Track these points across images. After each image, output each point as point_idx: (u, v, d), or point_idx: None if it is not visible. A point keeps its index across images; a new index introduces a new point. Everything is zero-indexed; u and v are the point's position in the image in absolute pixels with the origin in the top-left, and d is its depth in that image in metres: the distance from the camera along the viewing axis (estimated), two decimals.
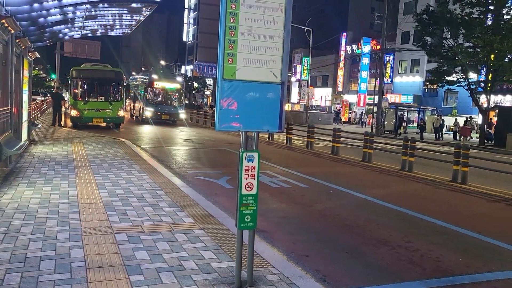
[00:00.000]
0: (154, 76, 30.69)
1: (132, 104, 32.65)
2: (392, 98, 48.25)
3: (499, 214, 8.42)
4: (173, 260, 4.47)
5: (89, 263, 4.24)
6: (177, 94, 29.18)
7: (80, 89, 21.41)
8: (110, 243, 4.86)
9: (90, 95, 21.47)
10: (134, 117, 31.35)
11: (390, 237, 6.34)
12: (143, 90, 28.50)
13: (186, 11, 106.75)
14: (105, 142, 14.96)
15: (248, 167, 3.83)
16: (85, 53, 33.08)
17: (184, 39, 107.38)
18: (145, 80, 30.28)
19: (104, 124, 21.86)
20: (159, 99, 28.25)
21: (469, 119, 32.44)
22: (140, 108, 28.97)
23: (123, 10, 12.81)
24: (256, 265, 4.48)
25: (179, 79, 35.77)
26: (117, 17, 13.98)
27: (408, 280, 4.78)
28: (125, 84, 24.21)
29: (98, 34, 18.94)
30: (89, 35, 19.09)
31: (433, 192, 10.38)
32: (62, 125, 21.38)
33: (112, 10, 12.68)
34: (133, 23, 14.98)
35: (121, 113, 21.76)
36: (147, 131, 22.61)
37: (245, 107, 3.77)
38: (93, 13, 12.40)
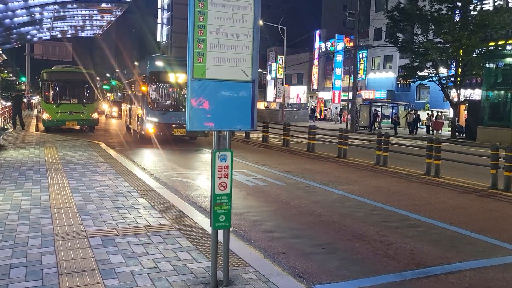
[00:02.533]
0: (158, 64, 16.57)
1: (127, 111, 21.89)
2: (366, 94, 48.90)
3: (470, 205, 8.62)
4: (149, 263, 4.42)
5: (62, 269, 4.16)
6: None
7: (52, 92, 20.98)
8: (83, 248, 4.77)
9: (62, 97, 21.05)
10: (131, 131, 20.21)
11: (365, 231, 6.42)
12: (140, 88, 17.35)
13: (159, 11, 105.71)
14: (79, 145, 14.70)
15: (221, 166, 3.82)
16: (56, 55, 32.38)
17: (158, 39, 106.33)
18: (143, 73, 17.06)
19: (78, 127, 21.47)
20: (168, 101, 17.58)
21: (430, 114, 33.26)
22: (138, 117, 17.73)
23: (93, 11, 12.59)
24: (233, 264, 4.48)
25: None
26: (87, 18, 13.74)
27: (383, 273, 4.85)
28: (98, 85, 23.81)
29: (69, 35, 18.62)
30: (59, 36, 18.71)
31: (407, 186, 10.56)
32: (23, 128, 20.89)
33: (81, 11, 12.44)
34: (104, 23, 14.75)
35: (95, 115, 21.42)
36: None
37: (217, 106, 3.76)
38: (62, 13, 12.15)
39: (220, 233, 4.02)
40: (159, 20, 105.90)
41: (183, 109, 15.84)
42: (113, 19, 13.82)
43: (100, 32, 16.64)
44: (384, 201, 8.43)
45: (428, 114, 33.52)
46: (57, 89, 21.21)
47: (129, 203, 6.93)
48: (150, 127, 15.87)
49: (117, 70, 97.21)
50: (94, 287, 3.80)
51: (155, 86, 17.04)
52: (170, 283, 3.95)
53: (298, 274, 4.68)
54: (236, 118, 3.83)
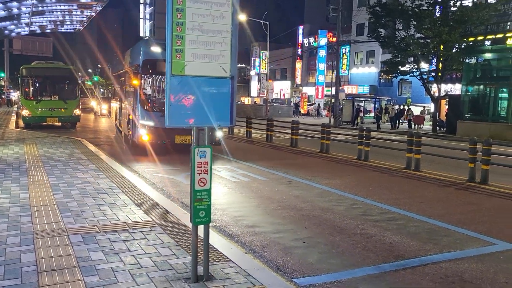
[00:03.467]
0: (154, 50, 12.73)
1: (117, 110, 17.93)
2: (349, 89, 49.26)
3: (449, 198, 8.80)
4: (130, 259, 4.43)
5: (41, 267, 4.14)
6: None
7: (32, 88, 20.67)
8: (64, 245, 4.75)
9: (42, 94, 20.75)
10: (122, 135, 16.19)
11: (345, 225, 6.51)
12: (131, 82, 13.23)
13: (142, 6, 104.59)
14: (60, 142, 14.53)
15: (201, 162, 3.84)
16: (36, 50, 31.82)
17: (141, 34, 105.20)
18: (135, 63, 13.15)
19: (59, 124, 21.19)
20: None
21: (405, 108, 33.91)
22: (129, 119, 13.92)
23: (72, 6, 12.42)
24: (213, 259, 4.52)
25: None
26: (66, 13, 13.56)
27: (362, 266, 4.94)
28: (79, 81, 23.49)
29: (48, 31, 18.31)
30: (38, 31, 18.40)
31: (388, 180, 10.72)
32: None
33: (60, 6, 12.25)
34: (84, 19, 14.58)
35: (77, 111, 21.16)
36: None
37: (196, 103, 3.78)
38: (40, 8, 11.95)
39: (201, 228, 4.05)
40: (141, 15, 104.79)
41: None
42: (93, 14, 13.65)
43: (81, 27, 16.40)
44: (364, 195, 8.55)
45: (399, 109, 33.98)
46: (37, 85, 20.90)
47: (111, 200, 6.90)
48: (144, 133, 11.95)
49: (99, 66, 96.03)
50: (74, 284, 3.80)
51: (150, 79, 13.28)
52: (151, 278, 3.97)
53: (279, 268, 4.74)
54: (215, 114, 3.86)
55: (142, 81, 12.44)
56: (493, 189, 9.61)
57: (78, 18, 14.33)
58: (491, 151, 10.12)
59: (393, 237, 6.01)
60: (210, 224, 5.98)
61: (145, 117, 12.14)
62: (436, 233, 6.34)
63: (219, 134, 12.89)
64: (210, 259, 4.45)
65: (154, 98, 13.29)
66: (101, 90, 46.05)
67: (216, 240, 5.19)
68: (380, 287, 4.41)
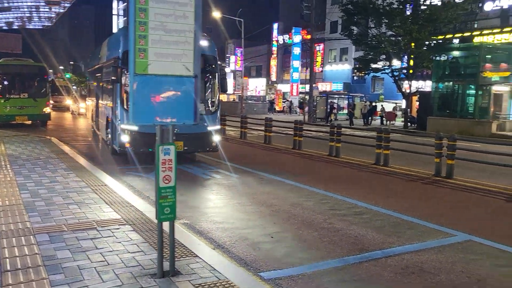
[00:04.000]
0: None
1: (94, 112, 16.09)
2: (323, 86, 49.71)
3: (414, 192, 9.07)
4: (97, 256, 4.45)
5: (5, 266, 4.13)
6: (201, 80, 11.85)
7: (0, 86, 20.17)
8: (29, 245, 4.73)
9: (11, 91, 20.26)
10: (100, 139, 15.01)
11: (313, 220, 6.66)
12: (110, 78, 11.09)
13: (115, 2, 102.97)
14: (29, 141, 14.27)
15: (165, 160, 3.90)
16: (4, 47, 31.02)
17: (114, 31, 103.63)
18: (114, 55, 11.32)
19: (29, 122, 20.76)
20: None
21: (368, 104, 34.62)
22: (107, 122, 12.34)
23: (40, 2, 12.20)
24: (181, 255, 4.58)
25: (204, 42, 11.20)
26: (34, 9, 13.29)
27: (327, 259, 5.09)
28: (49, 79, 23.01)
29: (15, 27, 17.89)
30: (5, 28, 17.98)
31: (357, 175, 10.95)
32: None
33: (27, 2, 12.02)
34: (53, 15, 14.31)
35: (47, 109, 20.78)
36: None
37: (160, 101, 3.83)
38: (6, 4, 11.70)
39: (167, 225, 4.11)
40: (114, 11, 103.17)
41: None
42: (62, 10, 13.43)
43: (50, 23, 16.10)
44: (334, 190, 8.73)
45: (371, 105, 34.58)
46: (6, 82, 20.40)
47: (80, 198, 6.87)
48: (126, 139, 10.14)
49: (71, 63, 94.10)
50: (38, 283, 3.81)
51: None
52: (117, 275, 4.01)
53: (246, 263, 4.84)
54: (179, 112, 3.92)
55: (124, 77, 10.42)
56: (458, 183, 9.94)
57: (46, 15, 14.06)
58: (455, 146, 10.45)
59: (359, 231, 6.18)
60: (180, 221, 6.09)
61: (127, 120, 9.91)
62: (400, 226, 6.55)
63: (216, 138, 11.07)
64: (177, 255, 4.52)
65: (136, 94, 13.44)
66: (74, 87, 44.76)
67: (185, 236, 5.25)
68: (343, 279, 4.56)
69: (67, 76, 55.73)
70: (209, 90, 11.78)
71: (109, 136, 11.93)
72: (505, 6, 30.50)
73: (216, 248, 5.16)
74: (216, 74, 11.48)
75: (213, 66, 11.38)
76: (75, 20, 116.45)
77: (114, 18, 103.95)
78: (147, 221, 5.81)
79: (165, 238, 4.42)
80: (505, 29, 30.27)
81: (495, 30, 30.67)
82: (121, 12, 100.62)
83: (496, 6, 30.83)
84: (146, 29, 3.72)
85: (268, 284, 4.24)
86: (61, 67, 79.06)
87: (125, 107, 10.11)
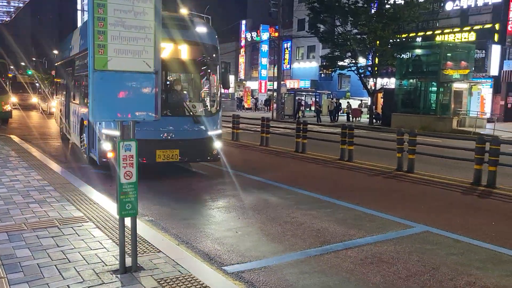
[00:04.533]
0: None
1: (64, 113, 13.95)
2: (291, 83, 50.14)
3: (377, 186, 9.34)
4: (58, 254, 4.41)
5: None
6: (198, 74, 10.50)
7: None
8: None
9: None
10: (70, 144, 13.73)
11: (277, 214, 6.77)
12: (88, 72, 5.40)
13: None
14: None
15: (126, 156, 3.90)
16: None
17: (79, 26, 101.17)
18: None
19: None
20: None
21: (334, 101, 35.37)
22: (83, 126, 10.55)
23: None
24: (144, 250, 4.60)
25: (201, 29, 9.61)
26: None
27: (290, 252, 5.20)
28: (10, 75, 22.29)
29: None
30: None
31: (322, 170, 11.16)
32: None
33: None
34: (12, 10, 13.89)
35: (8, 107, 20.15)
36: None
37: (120, 97, 3.83)
38: None
39: (129, 221, 4.12)
40: (78, 6, 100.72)
41: (183, 110, 9.11)
42: (21, 5, 13.04)
43: (9, 18, 15.60)
44: (298, 185, 8.88)
45: (337, 102, 35.20)
46: None
47: (41, 197, 6.75)
48: (109, 148, 8.30)
49: (34, 59, 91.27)
50: None
51: None
52: (79, 272, 3.99)
53: (210, 257, 4.89)
54: (140, 108, 3.93)
55: None
56: (418, 177, 10.27)
57: (4, 9, 13.63)
58: (416, 142, 10.80)
59: (322, 224, 6.33)
60: (145, 218, 6.08)
61: (111, 123, 8.20)
62: (361, 219, 6.74)
63: (217, 145, 9.27)
64: (140, 251, 4.53)
65: None
66: (37, 85, 43.14)
67: (149, 232, 5.26)
68: (304, 271, 4.67)
69: (29, 72, 53.96)
70: (208, 86, 10.30)
71: (85, 142, 10.14)
72: (465, 6, 31.59)
73: (180, 243, 5.19)
74: (217, 67, 9.58)
75: (213, 57, 9.51)
76: (37, 15, 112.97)
77: (79, 13, 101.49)
78: (111, 218, 5.78)
79: (128, 234, 4.43)
80: (464, 28, 31.38)
81: (455, 29, 31.77)
82: (86, 8, 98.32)
83: (456, 5, 31.91)
84: (105, 25, 3.71)
85: (231, 277, 4.31)
86: (22, 64, 76.70)
87: None
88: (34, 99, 35.08)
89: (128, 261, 4.11)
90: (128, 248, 4.28)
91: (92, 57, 3.68)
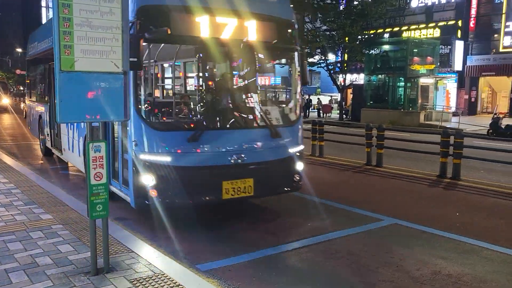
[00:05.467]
0: None
1: (48, 120, 10.29)
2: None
3: (347, 181, 9.52)
4: (26, 259, 4.34)
5: None
6: (270, 65, 7.51)
7: None
8: None
9: None
10: (54, 158, 11.20)
11: (248, 213, 6.83)
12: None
13: None
14: None
15: (96, 157, 3.88)
16: None
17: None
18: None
19: None
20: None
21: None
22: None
23: None
24: (116, 252, 4.57)
25: None
26: None
27: (262, 248, 5.27)
28: None
29: None
30: None
31: None
32: None
33: None
34: None
35: None
36: None
37: (88, 98, 3.79)
38: None
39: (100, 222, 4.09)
40: (43, 3, 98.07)
41: (253, 119, 6.34)
42: None
43: None
44: None
45: (308, 99, 35.63)
46: None
47: (7, 200, 6.59)
48: (151, 182, 5.42)
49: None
50: None
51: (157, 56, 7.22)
52: (48, 276, 3.95)
53: (183, 256, 4.90)
54: (109, 109, 3.90)
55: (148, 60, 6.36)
56: (387, 170, 10.52)
57: None
58: (384, 136, 11.04)
59: (293, 219, 6.43)
60: (118, 219, 6.03)
61: (154, 144, 5.46)
62: (333, 213, 6.87)
63: (299, 167, 6.51)
64: (112, 252, 4.51)
65: (163, 100, 7.29)
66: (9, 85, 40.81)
67: (121, 234, 5.22)
68: (276, 266, 4.75)
69: None
70: (285, 82, 7.49)
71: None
72: (429, 3, 32.39)
73: (152, 243, 5.17)
74: (294, 53, 6.62)
75: (289, 39, 6.52)
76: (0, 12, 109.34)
77: (43, 10, 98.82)
78: (81, 220, 5.71)
79: (99, 236, 4.40)
80: (429, 25, 32.18)
81: (421, 26, 32.52)
82: (51, 4, 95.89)
83: (421, 2, 32.67)
84: (71, 25, 3.66)
85: (203, 275, 4.34)
86: None
87: (144, 117, 5.46)
88: (5, 100, 32.44)
89: (100, 262, 4.09)
90: (99, 249, 4.25)
91: (58, 58, 3.63)
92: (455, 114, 27.38)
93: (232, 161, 5.68)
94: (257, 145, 6.00)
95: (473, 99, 31.83)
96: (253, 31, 6.02)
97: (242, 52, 6.19)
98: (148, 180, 5.37)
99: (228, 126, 6.03)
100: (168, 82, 8.16)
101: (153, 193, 5.39)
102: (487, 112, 31.51)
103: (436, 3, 32.01)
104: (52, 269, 4.09)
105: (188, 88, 7.92)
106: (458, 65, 30.81)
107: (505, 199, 7.96)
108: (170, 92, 7.32)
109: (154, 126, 5.59)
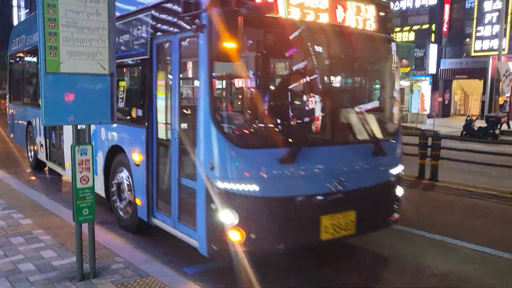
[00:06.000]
0: None
1: (36, 129, 9.19)
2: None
3: None
4: (7, 265, 4.23)
5: None
6: (365, 61, 5.45)
7: None
8: None
9: None
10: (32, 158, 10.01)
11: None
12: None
13: None
14: None
15: (82, 160, 3.81)
16: None
17: (15, 23, 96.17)
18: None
19: None
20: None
21: None
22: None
23: None
24: (101, 256, 4.50)
25: None
26: None
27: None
28: None
29: None
30: None
31: None
32: None
33: None
34: None
35: None
36: None
37: (74, 100, 3.72)
38: None
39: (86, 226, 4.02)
40: (15, 3, 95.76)
41: (352, 131, 4.77)
42: None
43: None
44: None
45: None
46: None
47: None
48: (232, 219, 3.95)
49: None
50: None
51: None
52: (32, 282, 3.85)
53: (168, 260, 4.85)
54: (95, 111, 3.84)
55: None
56: None
57: None
58: None
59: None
60: (102, 223, 5.92)
61: (240, 166, 4.03)
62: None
63: (400, 192, 5.16)
64: (98, 256, 4.42)
65: (246, 108, 5.07)
66: None
67: (106, 237, 5.12)
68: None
69: None
70: (379, 81, 5.72)
71: (143, 199, 5.21)
72: (404, 7, 33.05)
73: (138, 248, 5.11)
74: (391, 46, 5.29)
75: (386, 29, 5.17)
76: None
77: (15, 10, 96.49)
78: (64, 224, 5.59)
79: (84, 240, 4.32)
80: (404, 28, 32.81)
81: (396, 29, 33.07)
82: (22, 4, 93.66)
83: (396, 6, 33.27)
84: (56, 26, 3.59)
85: (191, 278, 4.30)
86: None
87: (225, 129, 4.08)
88: None
89: (86, 267, 4.01)
90: (85, 254, 4.16)
91: (44, 60, 3.56)
92: (429, 116, 27.92)
93: (332, 188, 4.29)
94: (359, 165, 4.60)
95: (446, 102, 32.55)
96: (357, 17, 4.69)
97: (346, 42, 4.78)
98: (228, 218, 3.92)
99: (327, 140, 4.49)
100: (258, 81, 5.00)
101: (234, 236, 3.94)
102: (460, 114, 32.28)
103: (411, 7, 32.67)
104: (35, 276, 4.00)
105: (283, 90, 5.21)
106: (432, 68, 31.47)
107: (481, 199, 8.16)
108: (259, 95, 4.86)
109: (240, 142, 4.03)
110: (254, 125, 4.73)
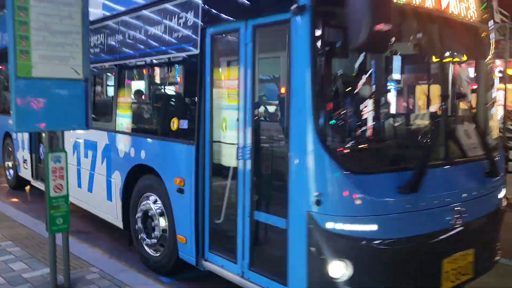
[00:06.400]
0: None
1: (17, 141, 8.00)
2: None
3: None
4: None
5: None
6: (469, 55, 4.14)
7: None
8: None
9: None
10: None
11: None
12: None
13: None
14: None
15: (56, 168, 3.70)
16: None
17: None
18: None
19: None
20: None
21: None
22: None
23: None
24: (75, 267, 4.36)
25: None
26: None
27: None
28: None
29: None
30: None
31: None
32: None
33: None
34: None
35: None
36: None
37: (47, 106, 3.61)
38: None
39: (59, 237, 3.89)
40: None
41: (463, 148, 3.65)
42: None
43: None
44: None
45: None
46: None
47: None
48: (344, 271, 2.96)
49: None
50: None
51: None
52: None
53: (145, 269, 4.75)
54: (69, 117, 3.74)
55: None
56: None
57: None
58: None
59: None
60: (75, 233, 5.75)
61: (354, 199, 2.98)
62: None
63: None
64: (72, 267, 4.28)
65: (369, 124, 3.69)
66: None
67: (79, 248, 4.97)
68: None
69: None
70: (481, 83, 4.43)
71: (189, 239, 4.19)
72: None
73: (112, 257, 4.98)
74: (492, 39, 4.25)
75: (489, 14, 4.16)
76: None
77: None
78: (34, 235, 5.40)
79: (57, 252, 4.18)
80: None
81: None
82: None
83: None
84: (27, 29, 3.48)
85: (167, 286, 4.23)
86: None
87: (336, 153, 3.09)
88: None
89: (60, 279, 3.88)
90: (58, 266, 4.03)
91: (14, 64, 3.44)
92: None
93: (454, 221, 3.37)
94: (475, 190, 3.65)
95: None
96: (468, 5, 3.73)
97: (461, 39, 3.85)
98: (340, 269, 2.97)
99: (441, 159, 3.52)
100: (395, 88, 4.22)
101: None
102: None
103: None
104: None
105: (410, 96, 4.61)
106: None
107: None
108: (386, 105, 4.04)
109: (358, 168, 3.06)
110: (374, 144, 3.57)
